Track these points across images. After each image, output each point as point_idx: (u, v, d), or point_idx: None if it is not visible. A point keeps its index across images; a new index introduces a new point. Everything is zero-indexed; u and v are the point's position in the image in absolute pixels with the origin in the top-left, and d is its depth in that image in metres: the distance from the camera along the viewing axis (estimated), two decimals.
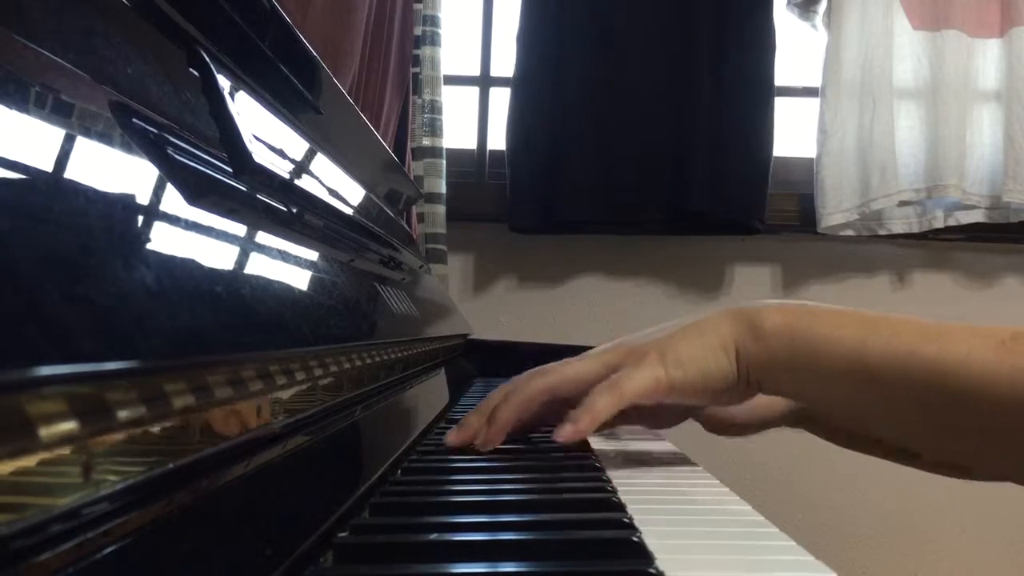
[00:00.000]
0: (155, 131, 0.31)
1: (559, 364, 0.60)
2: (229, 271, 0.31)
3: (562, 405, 0.58)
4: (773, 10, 1.75)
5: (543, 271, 1.83)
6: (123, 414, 0.21)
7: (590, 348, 0.66)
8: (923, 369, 0.49)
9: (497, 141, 1.83)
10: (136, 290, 0.23)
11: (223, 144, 0.36)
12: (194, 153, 0.33)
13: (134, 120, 0.29)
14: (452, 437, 0.58)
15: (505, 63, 1.82)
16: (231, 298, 0.30)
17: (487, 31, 1.89)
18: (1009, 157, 1.69)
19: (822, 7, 1.78)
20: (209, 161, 0.35)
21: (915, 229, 1.76)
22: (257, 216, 0.38)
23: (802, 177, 1.80)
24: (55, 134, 0.24)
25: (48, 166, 0.22)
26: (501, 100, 1.82)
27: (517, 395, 0.58)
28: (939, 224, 1.76)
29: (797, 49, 1.86)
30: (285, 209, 0.43)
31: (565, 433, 0.54)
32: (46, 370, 0.17)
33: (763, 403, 0.63)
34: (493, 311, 1.80)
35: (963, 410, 0.48)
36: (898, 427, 0.53)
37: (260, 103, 0.45)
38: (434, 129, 1.65)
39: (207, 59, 0.38)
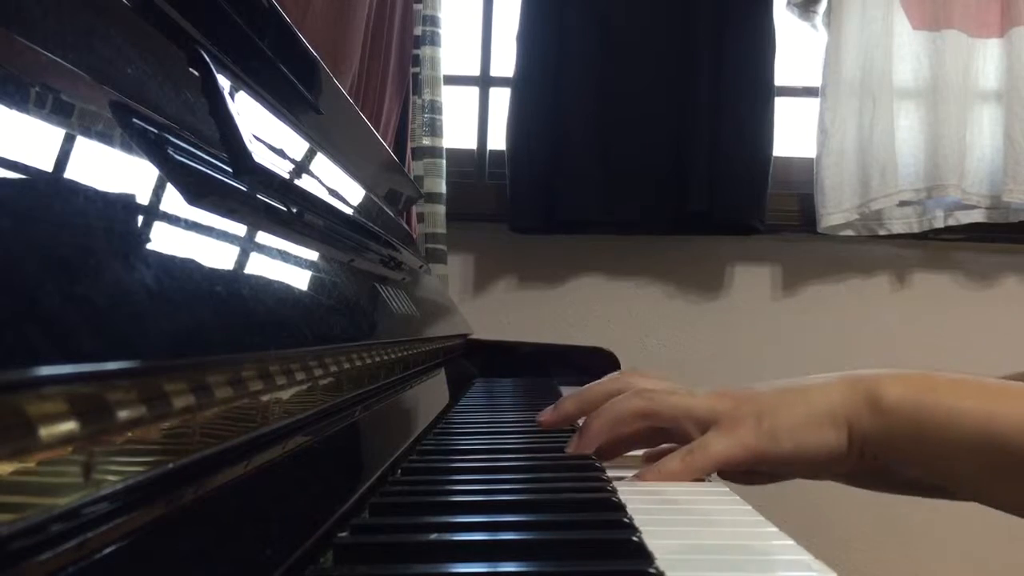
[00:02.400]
0: (155, 131, 0.31)
1: (662, 389, 0.57)
2: (229, 271, 0.31)
3: (654, 432, 0.58)
4: (773, 10, 1.75)
5: (543, 271, 1.83)
6: (123, 414, 0.21)
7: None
8: None
9: (497, 141, 1.83)
10: (136, 290, 0.23)
11: (223, 144, 0.36)
12: (194, 153, 0.33)
13: (134, 120, 0.29)
14: (546, 417, 0.58)
15: (505, 63, 1.82)
16: (231, 298, 0.30)
17: (487, 31, 1.89)
18: (1009, 157, 1.69)
19: (822, 7, 1.78)
20: (209, 161, 0.35)
21: (915, 229, 1.76)
22: (257, 216, 0.38)
23: (802, 177, 1.80)
24: (55, 134, 0.24)
25: (48, 166, 0.22)
26: (501, 100, 1.82)
27: (614, 411, 0.56)
28: (939, 224, 1.76)
29: (797, 49, 1.86)
30: (285, 209, 0.43)
31: (648, 477, 0.53)
32: (46, 370, 0.17)
33: None
34: (493, 311, 1.80)
35: None
36: (1020, 495, 0.51)
37: (260, 103, 0.45)
38: (434, 129, 1.65)
39: (207, 59, 0.38)
